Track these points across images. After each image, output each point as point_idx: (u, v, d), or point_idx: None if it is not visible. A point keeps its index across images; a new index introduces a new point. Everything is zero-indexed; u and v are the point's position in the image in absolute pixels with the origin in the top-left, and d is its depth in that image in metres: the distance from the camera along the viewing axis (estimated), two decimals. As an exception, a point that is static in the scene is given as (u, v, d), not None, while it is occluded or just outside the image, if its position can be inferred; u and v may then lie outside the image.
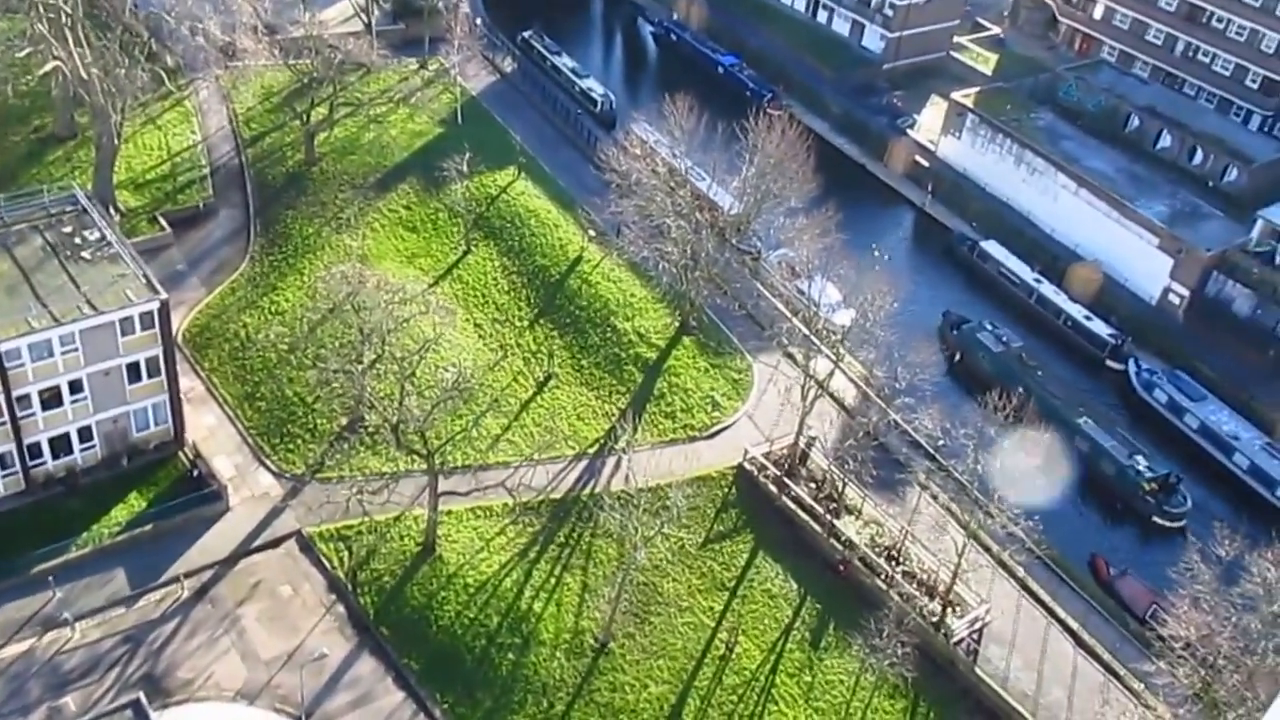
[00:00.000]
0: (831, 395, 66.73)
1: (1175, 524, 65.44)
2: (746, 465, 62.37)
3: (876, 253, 68.25)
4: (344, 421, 60.80)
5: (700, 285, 68.83)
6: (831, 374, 62.91)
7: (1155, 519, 65.81)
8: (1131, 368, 75.56)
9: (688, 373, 67.62)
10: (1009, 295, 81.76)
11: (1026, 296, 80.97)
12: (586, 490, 59.85)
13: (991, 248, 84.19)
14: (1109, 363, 76.63)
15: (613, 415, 63.98)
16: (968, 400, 63.76)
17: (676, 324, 70.35)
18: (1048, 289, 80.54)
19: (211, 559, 54.44)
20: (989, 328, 75.46)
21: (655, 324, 70.21)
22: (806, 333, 62.92)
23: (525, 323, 69.80)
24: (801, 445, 62.50)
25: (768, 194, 68.89)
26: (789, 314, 71.38)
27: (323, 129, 79.66)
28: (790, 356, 68.68)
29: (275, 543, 55.78)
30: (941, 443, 59.21)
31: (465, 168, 73.77)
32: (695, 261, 67.70)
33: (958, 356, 59.70)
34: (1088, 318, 78.25)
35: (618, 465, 60.90)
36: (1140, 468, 66.54)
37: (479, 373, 63.21)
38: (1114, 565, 61.50)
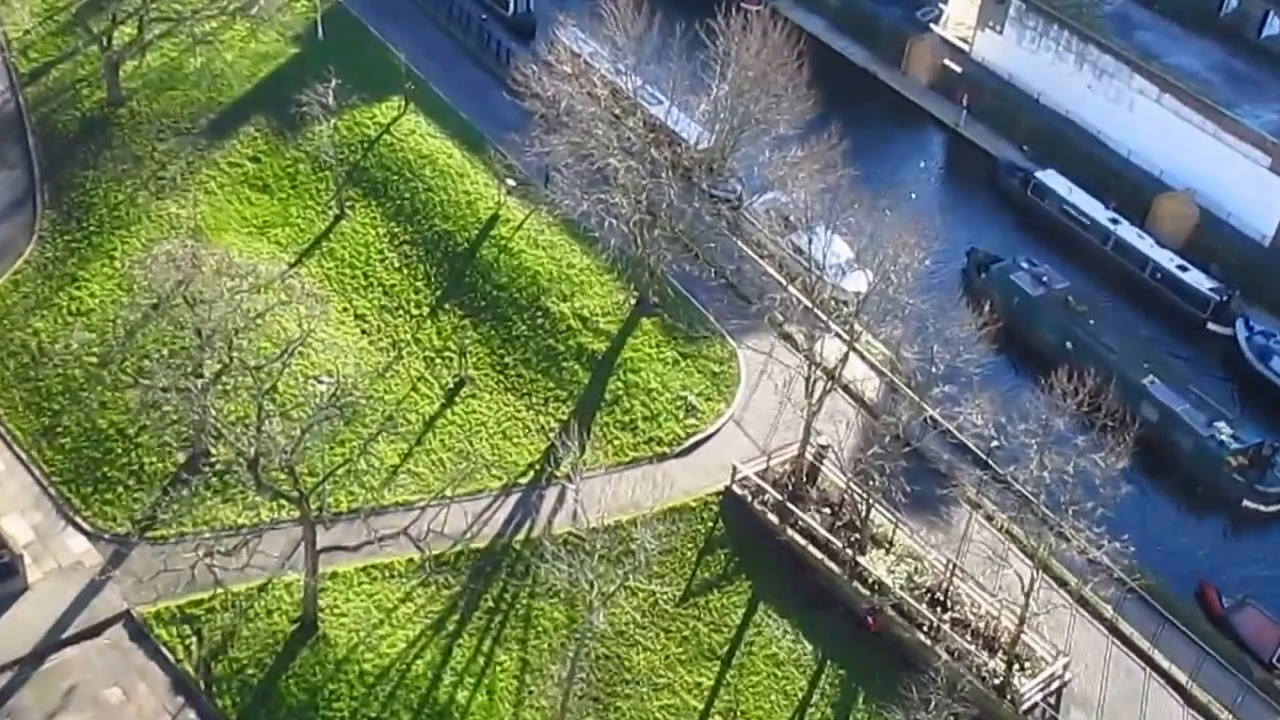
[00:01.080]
0: (846, 389, 67.19)
1: (1271, 507, 67.28)
2: (736, 489, 62.69)
3: (889, 200, 68.57)
4: (181, 458, 60.32)
5: (661, 247, 68.97)
6: (845, 359, 63.32)
7: (1246, 503, 67.46)
8: (1240, 330, 76.89)
9: (650, 367, 67.82)
10: (1076, 241, 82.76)
11: (1100, 242, 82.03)
12: (521, 535, 59.87)
13: (1050, 179, 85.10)
14: (1211, 325, 77.93)
15: (551, 431, 64.04)
16: (1028, 384, 64.41)
17: (632, 302, 70.52)
18: (1127, 231, 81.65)
19: (7, 657, 53.71)
20: (1025, 266, 76.78)
21: (603, 303, 70.32)
22: (809, 305, 63.24)
23: (425, 310, 69.65)
24: (809, 458, 62.91)
25: (747, 119, 69.12)
26: (783, 281, 71.72)
27: (131, 56, 78.74)
28: (788, 339, 69.01)
29: (95, 630, 55.20)
30: (996, 444, 59.78)
31: (331, 101, 73.31)
32: (653, 215, 67.81)
33: (987, 307, 60.85)
34: (1182, 267, 79.45)
35: (561, 499, 60.96)
36: (1224, 437, 68.13)
37: (365, 382, 62.96)
38: (1229, 594, 62.69)
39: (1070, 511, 53.67)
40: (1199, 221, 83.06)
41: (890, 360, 67.80)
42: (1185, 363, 74.79)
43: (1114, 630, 59.63)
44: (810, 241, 63.94)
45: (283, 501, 55.93)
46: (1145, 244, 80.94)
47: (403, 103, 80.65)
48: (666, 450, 64.57)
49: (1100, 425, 55.56)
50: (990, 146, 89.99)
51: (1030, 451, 54.65)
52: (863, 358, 68.84)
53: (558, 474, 61.17)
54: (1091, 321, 73.27)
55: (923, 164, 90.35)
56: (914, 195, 74.89)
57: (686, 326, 70.08)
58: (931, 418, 62.48)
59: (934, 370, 59.60)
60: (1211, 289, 78.37)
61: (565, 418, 64.55)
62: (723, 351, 69.62)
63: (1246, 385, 74.92)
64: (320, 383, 59.19)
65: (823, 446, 63.56)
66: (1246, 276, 79.95)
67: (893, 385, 67.70)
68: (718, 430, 65.93)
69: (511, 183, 75.34)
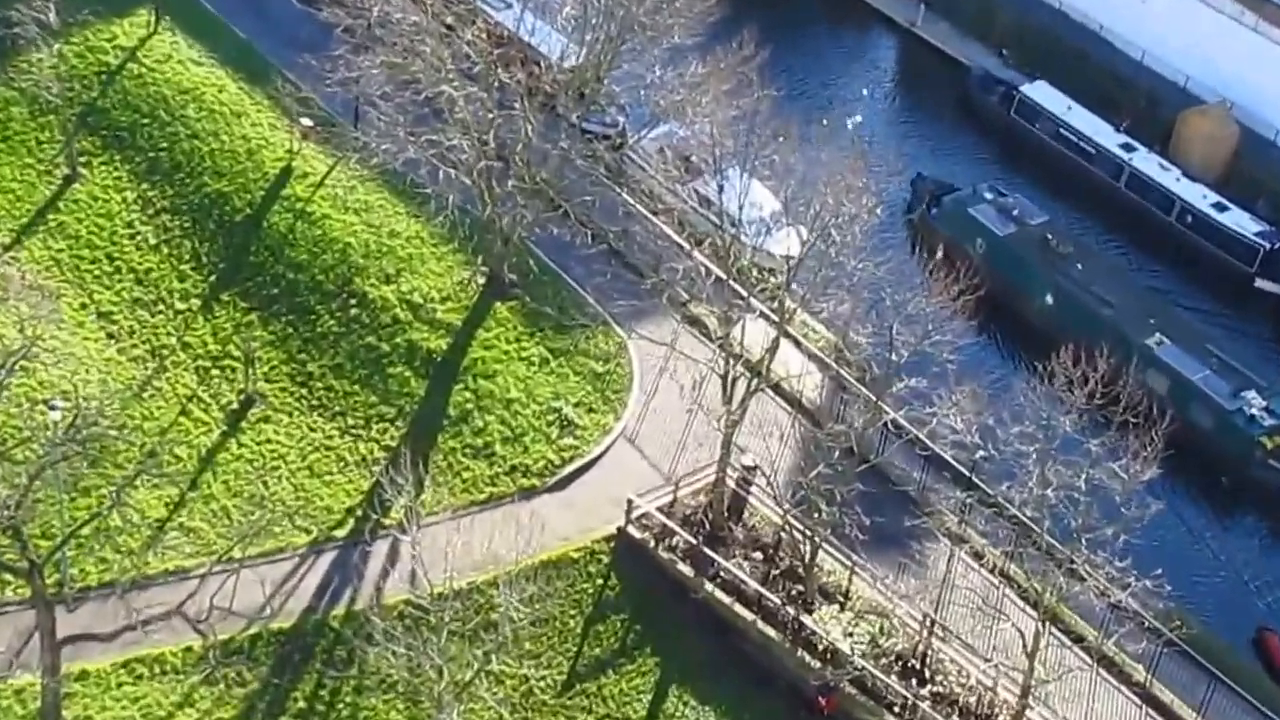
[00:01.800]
0: (778, 388, 67.69)
1: None
2: (634, 531, 62.88)
3: (826, 123, 69.29)
4: None
5: (518, 205, 68.95)
6: (774, 349, 63.67)
7: None
8: (1298, 288, 79.01)
9: (509, 370, 67.92)
10: (1077, 175, 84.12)
11: (1110, 176, 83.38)
12: (339, 608, 59.74)
13: (1039, 93, 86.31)
14: (1260, 281, 79.58)
15: (376, 463, 63.94)
16: (1020, 370, 65.25)
17: (480, 281, 70.58)
18: (1145, 161, 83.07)
19: None
20: (989, 197, 78.11)
21: (440, 284, 70.39)
22: (722, 275, 63.56)
23: (195, 303, 69.41)
24: (731, 484, 63.18)
25: (628, 25, 69.30)
26: (687, 244, 72.00)
27: None
28: (696, 323, 69.27)
29: None
30: (981, 453, 60.40)
31: (53, 18, 72.65)
32: (505, 161, 67.88)
33: (940, 252, 61.40)
34: (1219, 206, 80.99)
35: (394, 556, 60.83)
36: (1254, 412, 70.00)
37: (115, 405, 62.25)
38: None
39: (1084, 541, 54.27)
40: (1239, 144, 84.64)
41: (836, 347, 68.38)
42: (1208, 318, 76.25)
43: (1148, 698, 60.35)
44: (721, 190, 64.20)
45: (7, 576, 55.47)
46: (1170, 177, 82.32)
47: (153, 17, 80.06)
48: (536, 482, 64.60)
49: (1120, 422, 56.29)
50: (958, 52, 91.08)
51: (1028, 463, 55.24)
52: (798, 345, 69.38)
53: (387, 522, 60.99)
54: (1079, 266, 74.44)
55: (868, 79, 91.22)
56: (859, 120, 75.52)
57: (557, 312, 70.19)
58: (894, 423, 63.16)
59: (895, 358, 60.08)
60: (1259, 234, 79.99)
61: (395, 444, 64.46)
62: (608, 344, 69.85)
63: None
64: (53, 409, 58.31)
65: (749, 468, 63.88)
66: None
67: (840, 381, 68.31)
68: (605, 452, 66.14)
69: (308, 123, 74.99)
